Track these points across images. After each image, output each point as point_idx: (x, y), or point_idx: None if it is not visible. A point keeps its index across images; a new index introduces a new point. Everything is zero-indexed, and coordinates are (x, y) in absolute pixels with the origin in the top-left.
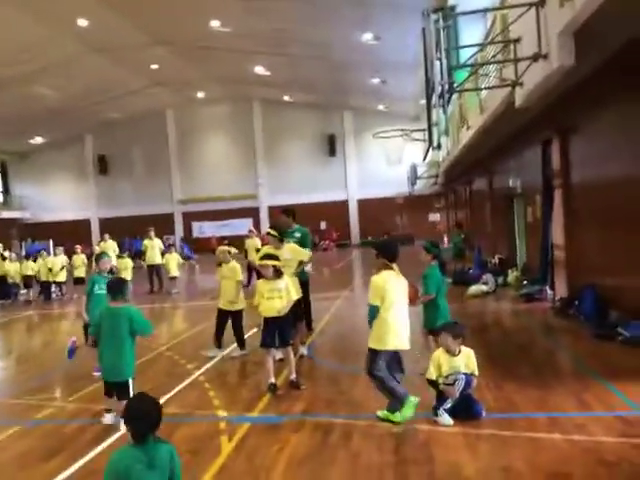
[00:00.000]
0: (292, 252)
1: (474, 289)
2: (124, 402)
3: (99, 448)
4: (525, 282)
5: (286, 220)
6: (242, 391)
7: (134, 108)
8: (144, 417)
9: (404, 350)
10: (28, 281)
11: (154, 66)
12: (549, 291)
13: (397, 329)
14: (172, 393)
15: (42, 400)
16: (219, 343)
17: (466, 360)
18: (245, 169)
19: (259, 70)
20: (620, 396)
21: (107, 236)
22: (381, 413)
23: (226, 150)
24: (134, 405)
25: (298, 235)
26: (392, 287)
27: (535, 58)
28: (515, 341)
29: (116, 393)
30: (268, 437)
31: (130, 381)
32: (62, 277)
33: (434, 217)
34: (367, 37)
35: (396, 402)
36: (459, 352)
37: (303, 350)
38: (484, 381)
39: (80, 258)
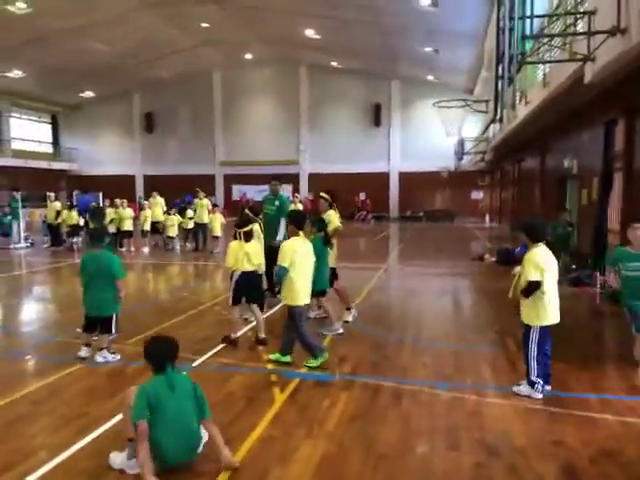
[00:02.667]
0: (330, 218)
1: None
2: (106, 336)
3: None
4: (574, 266)
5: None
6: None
7: (182, 67)
8: (161, 354)
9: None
10: (76, 230)
11: (205, 24)
12: (599, 276)
13: (302, 286)
14: (223, 345)
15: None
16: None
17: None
18: (288, 135)
19: (309, 33)
20: None
21: (155, 193)
22: (273, 356)
23: (270, 114)
24: (152, 346)
25: (277, 203)
26: (300, 252)
27: (612, 32)
28: (563, 323)
29: (101, 327)
30: (319, 392)
31: (114, 316)
32: (111, 229)
33: (477, 195)
34: (424, 2)
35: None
36: None
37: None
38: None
39: (128, 212)
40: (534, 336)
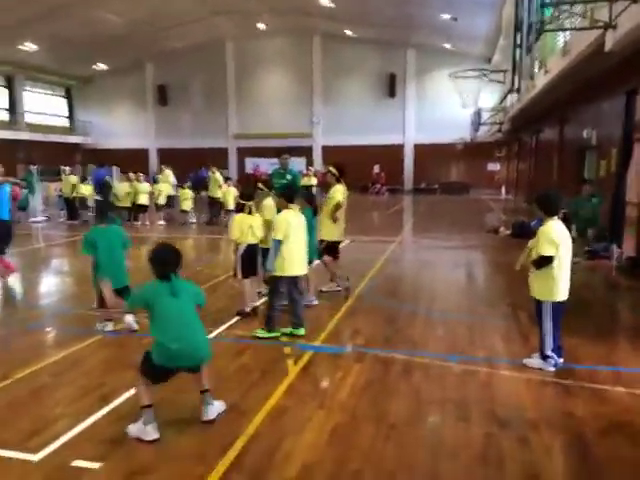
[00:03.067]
0: (333, 193)
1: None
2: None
3: None
4: (591, 238)
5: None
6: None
7: (194, 38)
8: (165, 260)
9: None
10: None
11: None
12: (616, 249)
13: (296, 257)
14: (238, 318)
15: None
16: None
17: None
18: (301, 106)
19: (324, 1)
20: None
21: (164, 167)
22: (286, 330)
23: (283, 85)
24: (158, 252)
25: (289, 177)
26: (293, 224)
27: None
28: (578, 297)
29: (123, 295)
30: (331, 365)
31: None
32: (127, 203)
33: (493, 167)
34: None
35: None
36: None
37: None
38: None
39: (144, 186)
40: (548, 311)
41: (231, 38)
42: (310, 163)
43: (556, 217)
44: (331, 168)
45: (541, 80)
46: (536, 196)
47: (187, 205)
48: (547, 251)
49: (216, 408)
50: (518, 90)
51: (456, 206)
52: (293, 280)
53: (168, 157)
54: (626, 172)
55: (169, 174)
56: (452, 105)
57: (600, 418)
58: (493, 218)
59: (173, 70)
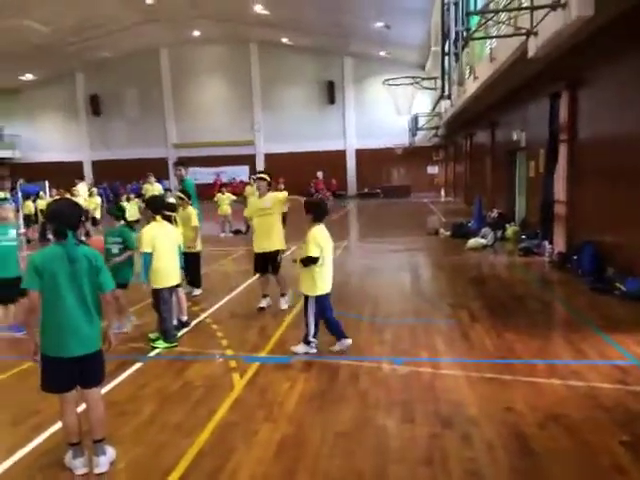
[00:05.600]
0: (272, 200)
1: (473, 242)
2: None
3: (114, 382)
4: (523, 236)
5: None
6: (249, 333)
7: (127, 46)
8: (62, 216)
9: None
10: (26, 221)
11: (149, 1)
12: (548, 246)
13: (166, 269)
14: (181, 332)
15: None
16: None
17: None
18: (242, 114)
19: (258, 8)
20: (616, 347)
21: (77, 180)
22: (152, 335)
23: (222, 93)
24: (54, 206)
25: (180, 188)
26: (160, 236)
27: (553, 7)
28: (514, 293)
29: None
30: (278, 375)
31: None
32: None
33: (432, 170)
34: None
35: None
36: None
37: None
38: (484, 329)
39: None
40: (312, 304)
41: (165, 45)
42: (253, 172)
43: (322, 223)
44: (262, 175)
45: (471, 86)
46: (306, 201)
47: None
48: (313, 252)
49: (108, 458)
50: (449, 96)
51: (398, 209)
52: (172, 290)
53: (103, 169)
54: (553, 172)
55: (81, 188)
56: (390, 111)
57: (538, 411)
58: (434, 220)
59: (106, 79)
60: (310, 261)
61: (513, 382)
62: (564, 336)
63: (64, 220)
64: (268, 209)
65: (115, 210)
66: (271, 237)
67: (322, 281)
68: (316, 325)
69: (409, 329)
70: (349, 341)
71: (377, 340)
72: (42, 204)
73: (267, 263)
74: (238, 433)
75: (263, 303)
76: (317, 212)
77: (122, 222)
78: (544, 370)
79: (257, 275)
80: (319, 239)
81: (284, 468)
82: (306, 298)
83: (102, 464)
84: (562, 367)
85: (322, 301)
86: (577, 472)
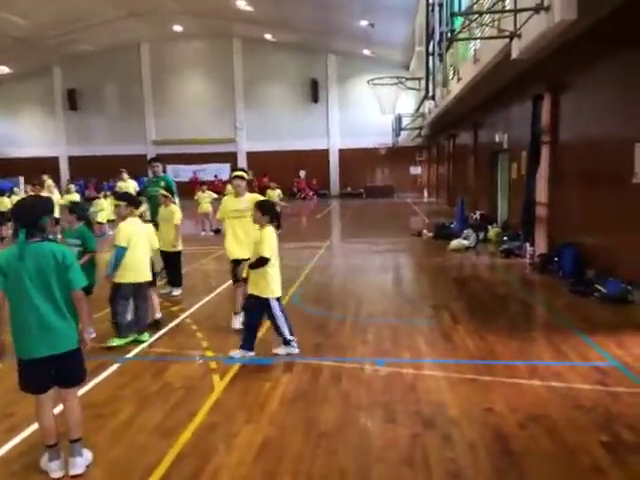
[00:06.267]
0: (251, 202)
1: (455, 243)
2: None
3: (91, 384)
4: (505, 238)
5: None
6: (230, 334)
7: (107, 40)
8: (16, 214)
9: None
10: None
11: None
12: (529, 247)
13: (137, 264)
14: (161, 333)
15: None
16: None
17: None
18: (224, 111)
19: (240, 4)
20: (596, 348)
21: (46, 177)
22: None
23: (204, 90)
24: (15, 204)
25: (163, 184)
26: (136, 232)
27: (536, 10)
28: (495, 294)
29: None
30: (259, 377)
31: None
32: None
33: (415, 170)
34: None
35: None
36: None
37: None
38: (465, 330)
39: (55, 197)
40: (276, 305)
41: (146, 40)
42: (234, 170)
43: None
44: (239, 172)
45: (455, 87)
46: (262, 202)
47: (102, 217)
48: (268, 253)
49: (85, 460)
50: (433, 97)
51: (381, 209)
52: (135, 287)
53: (81, 165)
54: (535, 174)
55: (50, 184)
56: (374, 110)
57: (518, 412)
58: (417, 221)
59: (84, 73)
60: (262, 262)
61: (494, 383)
62: (545, 337)
63: (18, 218)
64: (245, 211)
65: (78, 208)
66: (247, 243)
67: (275, 283)
68: (286, 320)
69: (391, 329)
70: (252, 354)
71: (359, 340)
72: (15, 201)
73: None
74: (219, 435)
75: (237, 324)
76: (273, 213)
77: (82, 222)
78: (525, 371)
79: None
80: (272, 241)
81: (265, 470)
82: (262, 303)
83: (78, 465)
84: (543, 368)
85: (275, 303)
86: (557, 472)
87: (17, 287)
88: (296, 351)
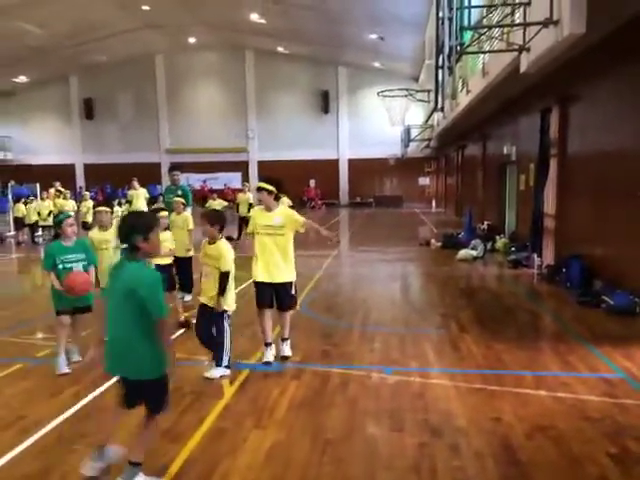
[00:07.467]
0: (285, 218)
1: (463, 253)
2: None
3: (103, 387)
4: (513, 249)
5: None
6: (239, 339)
7: (122, 51)
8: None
9: None
10: (17, 224)
11: (145, 7)
12: (536, 258)
13: (104, 270)
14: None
15: (41, 340)
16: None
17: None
18: (235, 121)
19: (254, 17)
20: (603, 359)
21: (55, 183)
22: None
23: (216, 100)
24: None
25: (180, 193)
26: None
27: (545, 24)
28: (503, 304)
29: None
30: (268, 383)
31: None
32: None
33: (424, 181)
34: None
35: None
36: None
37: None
38: (473, 340)
39: (69, 204)
40: (228, 320)
41: (161, 51)
42: (246, 179)
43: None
44: (263, 184)
45: (464, 99)
46: (209, 213)
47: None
48: (229, 266)
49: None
50: (442, 109)
51: (390, 219)
52: None
53: (96, 172)
54: (543, 186)
55: (143, 191)
56: (384, 122)
57: (525, 422)
58: (425, 231)
59: (100, 83)
60: (227, 276)
61: (501, 393)
62: (552, 348)
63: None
64: (278, 227)
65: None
66: (280, 264)
67: (232, 296)
68: (232, 341)
69: (399, 338)
70: (228, 372)
71: (367, 348)
72: (40, 206)
73: (272, 296)
74: (227, 440)
75: (269, 356)
76: (223, 223)
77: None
78: (532, 381)
79: (260, 311)
80: (230, 252)
81: (273, 475)
82: (218, 315)
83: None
84: (550, 379)
85: (229, 317)
86: None
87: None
88: (228, 372)
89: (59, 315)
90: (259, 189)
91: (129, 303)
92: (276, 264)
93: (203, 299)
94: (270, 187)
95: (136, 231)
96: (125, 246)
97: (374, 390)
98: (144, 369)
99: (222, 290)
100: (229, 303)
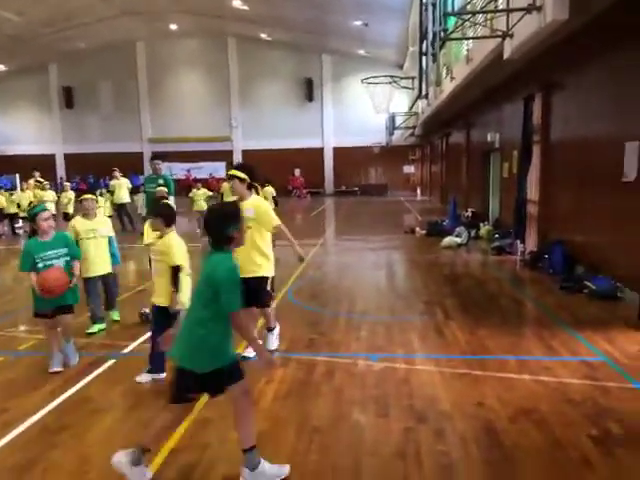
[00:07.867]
0: (258, 213)
1: (447, 241)
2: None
3: (86, 379)
4: (496, 235)
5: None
6: None
7: (102, 38)
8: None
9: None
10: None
11: None
12: (520, 245)
13: (92, 258)
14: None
15: (23, 332)
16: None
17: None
18: (219, 110)
19: (236, 4)
20: (585, 343)
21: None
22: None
23: (200, 88)
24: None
25: (161, 181)
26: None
27: (529, 10)
28: (487, 290)
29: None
30: (254, 372)
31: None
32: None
33: (409, 169)
34: None
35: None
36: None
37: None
38: (457, 326)
39: (49, 194)
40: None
41: (142, 38)
42: (230, 168)
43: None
44: (235, 172)
45: (448, 86)
46: (156, 209)
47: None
48: (180, 260)
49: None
50: (426, 96)
51: (375, 207)
52: (100, 279)
53: (76, 162)
54: (527, 173)
55: (125, 181)
56: (368, 109)
57: (509, 406)
58: (410, 219)
59: (80, 71)
60: (177, 272)
61: (485, 378)
62: (535, 333)
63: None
64: (251, 219)
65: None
66: (253, 258)
67: (188, 293)
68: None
69: (385, 325)
70: (163, 376)
71: (353, 336)
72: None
73: (249, 293)
74: (214, 430)
75: (251, 352)
76: (170, 215)
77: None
78: (515, 366)
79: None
80: (181, 245)
81: None
82: (170, 315)
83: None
84: (533, 363)
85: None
86: (547, 465)
87: None
88: (163, 375)
89: (36, 317)
90: (230, 177)
91: (207, 290)
92: (248, 258)
93: (155, 300)
94: (242, 175)
95: (231, 222)
96: (211, 238)
97: (360, 377)
98: (204, 359)
99: (176, 286)
100: (183, 302)
